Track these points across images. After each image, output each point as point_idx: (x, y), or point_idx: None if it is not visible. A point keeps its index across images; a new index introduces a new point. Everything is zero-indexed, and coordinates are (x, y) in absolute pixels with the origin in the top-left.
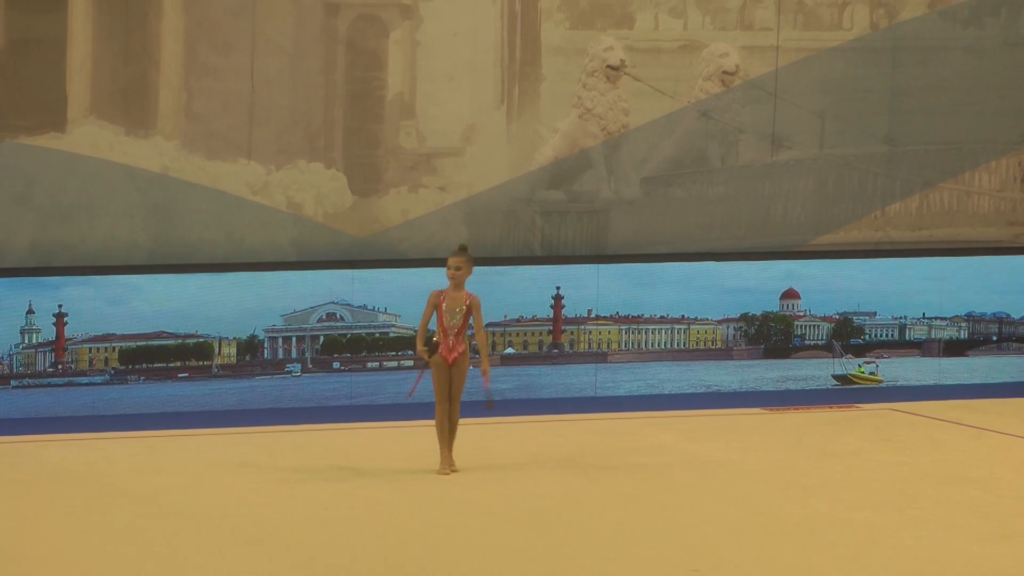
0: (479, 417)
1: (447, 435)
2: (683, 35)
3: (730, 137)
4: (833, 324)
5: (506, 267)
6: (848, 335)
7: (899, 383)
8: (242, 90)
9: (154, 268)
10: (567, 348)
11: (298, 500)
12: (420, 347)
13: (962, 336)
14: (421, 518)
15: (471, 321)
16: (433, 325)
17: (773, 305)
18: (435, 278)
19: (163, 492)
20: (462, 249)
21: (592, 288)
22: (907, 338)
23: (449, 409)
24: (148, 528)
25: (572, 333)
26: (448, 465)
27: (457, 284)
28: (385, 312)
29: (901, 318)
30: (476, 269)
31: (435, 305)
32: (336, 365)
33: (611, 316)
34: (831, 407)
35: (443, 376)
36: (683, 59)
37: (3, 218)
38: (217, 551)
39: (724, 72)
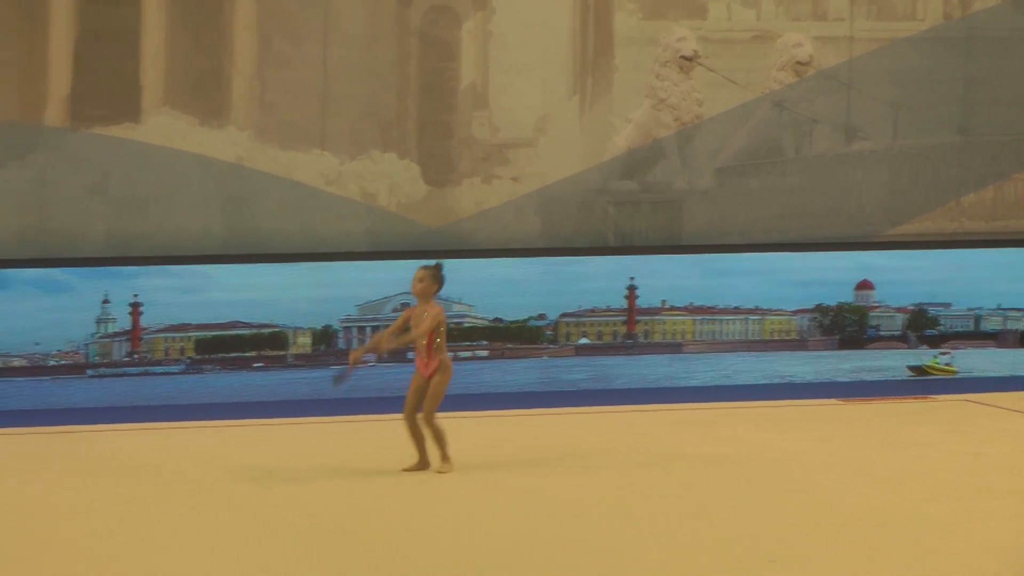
0: (554, 407)
1: (439, 438)
2: (756, 25)
3: (803, 127)
4: (908, 315)
5: (580, 257)
6: (923, 326)
7: (974, 374)
8: (315, 80)
9: (228, 258)
10: (641, 338)
11: (371, 491)
12: (356, 352)
13: None
14: (494, 508)
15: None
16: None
17: (848, 296)
18: (509, 268)
19: (238, 482)
20: (434, 265)
21: (666, 278)
22: (982, 329)
23: (419, 417)
24: (221, 519)
25: (646, 323)
26: (443, 461)
27: (419, 298)
28: (459, 302)
29: (976, 309)
30: (550, 260)
31: (406, 319)
32: (410, 355)
33: (685, 306)
34: (906, 398)
35: (418, 387)
36: (756, 49)
37: (79, 208)
38: (289, 544)
39: (797, 62)
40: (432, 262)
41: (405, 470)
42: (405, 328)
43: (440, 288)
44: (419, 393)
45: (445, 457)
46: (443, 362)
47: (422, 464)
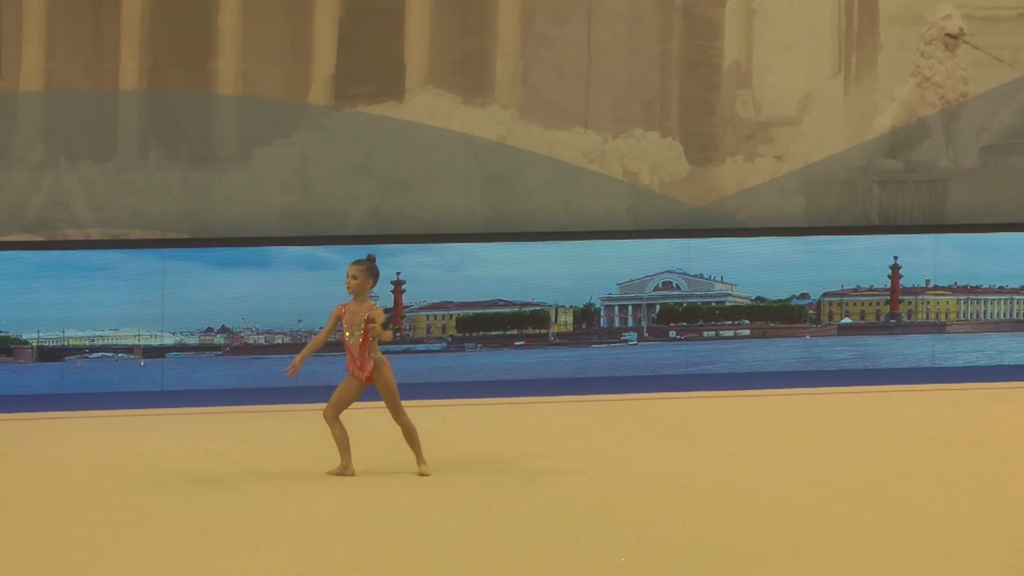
0: (817, 387)
1: (411, 438)
2: (1023, 3)
3: None
4: None
5: (843, 236)
6: None
7: None
8: (578, 59)
9: (491, 236)
10: (904, 318)
11: (632, 468)
12: (298, 360)
13: None
14: (751, 486)
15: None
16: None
17: None
18: (771, 247)
19: (497, 460)
20: (366, 259)
21: (930, 258)
22: None
23: (401, 420)
24: (483, 494)
25: (909, 303)
26: (420, 464)
27: (355, 295)
28: (721, 281)
29: None
30: (813, 238)
31: (338, 317)
32: (672, 334)
33: (949, 286)
34: None
35: (349, 390)
36: (1023, 27)
37: (343, 186)
38: (550, 517)
39: None
40: (364, 256)
41: (329, 473)
42: (337, 323)
43: (375, 283)
44: (349, 395)
45: (421, 460)
46: (378, 361)
47: (345, 468)
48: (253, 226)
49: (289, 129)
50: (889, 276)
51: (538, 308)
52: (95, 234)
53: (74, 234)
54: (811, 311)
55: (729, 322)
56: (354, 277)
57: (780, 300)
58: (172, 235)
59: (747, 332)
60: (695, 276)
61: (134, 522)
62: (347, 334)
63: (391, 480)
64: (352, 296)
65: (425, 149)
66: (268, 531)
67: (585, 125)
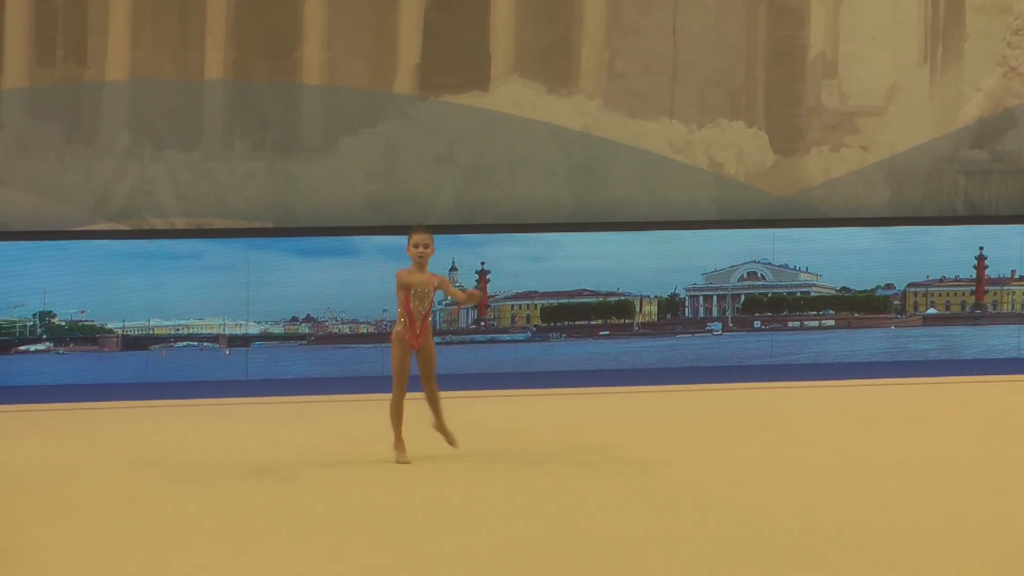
0: (902, 377)
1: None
2: None
3: None
4: None
5: (929, 227)
6: None
7: None
8: (664, 49)
9: (575, 226)
10: (990, 309)
11: (718, 459)
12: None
13: None
14: (839, 477)
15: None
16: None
17: None
18: (856, 238)
19: (582, 450)
20: (428, 227)
21: (1016, 248)
22: None
23: (428, 389)
24: (567, 484)
25: (995, 294)
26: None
27: (423, 265)
28: (806, 272)
29: None
30: (899, 229)
31: (408, 285)
32: (757, 324)
33: None
34: None
35: (408, 359)
36: None
37: (428, 176)
38: (635, 507)
39: None
40: (422, 224)
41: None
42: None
43: None
44: (404, 366)
45: (445, 428)
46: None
47: (397, 449)
48: (338, 215)
49: (374, 118)
50: (975, 267)
51: (623, 298)
52: (180, 223)
53: (159, 223)
54: (896, 302)
55: (814, 312)
56: (426, 246)
57: (865, 291)
58: (257, 224)
59: (832, 322)
60: (780, 266)
61: (213, 510)
62: (415, 303)
63: (473, 469)
64: (415, 264)
65: (510, 138)
66: (348, 520)
67: (670, 115)
